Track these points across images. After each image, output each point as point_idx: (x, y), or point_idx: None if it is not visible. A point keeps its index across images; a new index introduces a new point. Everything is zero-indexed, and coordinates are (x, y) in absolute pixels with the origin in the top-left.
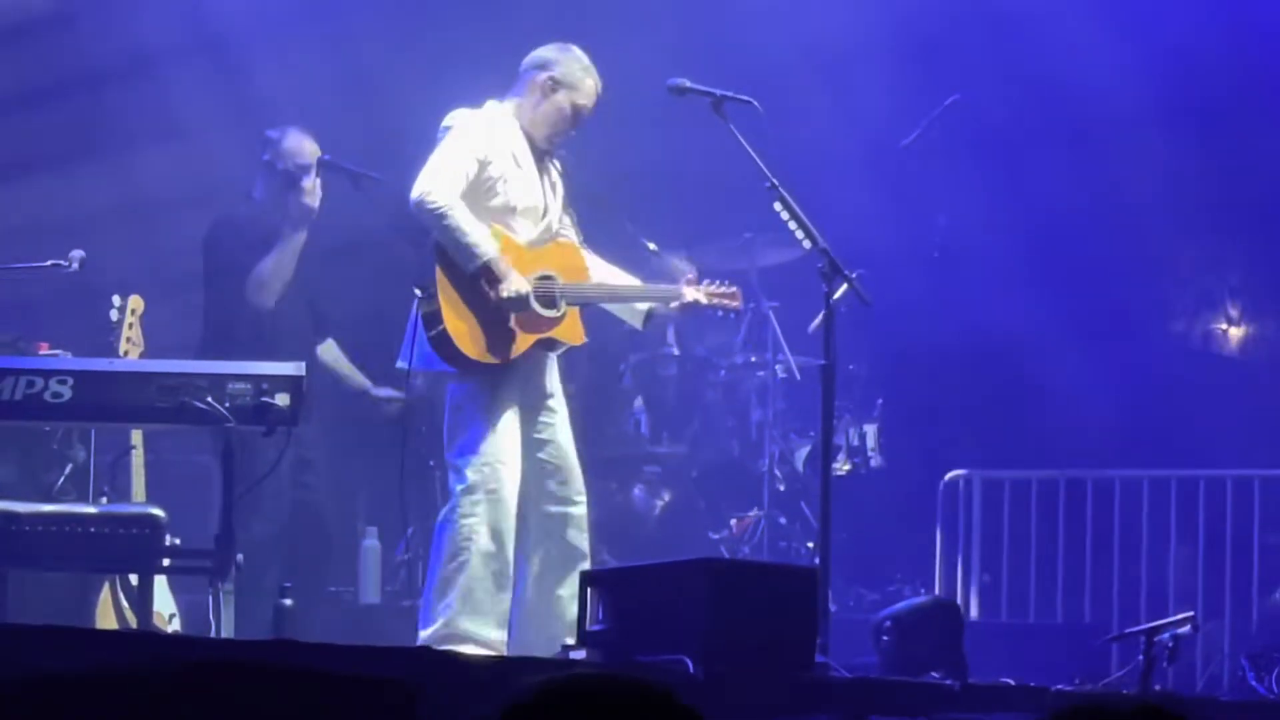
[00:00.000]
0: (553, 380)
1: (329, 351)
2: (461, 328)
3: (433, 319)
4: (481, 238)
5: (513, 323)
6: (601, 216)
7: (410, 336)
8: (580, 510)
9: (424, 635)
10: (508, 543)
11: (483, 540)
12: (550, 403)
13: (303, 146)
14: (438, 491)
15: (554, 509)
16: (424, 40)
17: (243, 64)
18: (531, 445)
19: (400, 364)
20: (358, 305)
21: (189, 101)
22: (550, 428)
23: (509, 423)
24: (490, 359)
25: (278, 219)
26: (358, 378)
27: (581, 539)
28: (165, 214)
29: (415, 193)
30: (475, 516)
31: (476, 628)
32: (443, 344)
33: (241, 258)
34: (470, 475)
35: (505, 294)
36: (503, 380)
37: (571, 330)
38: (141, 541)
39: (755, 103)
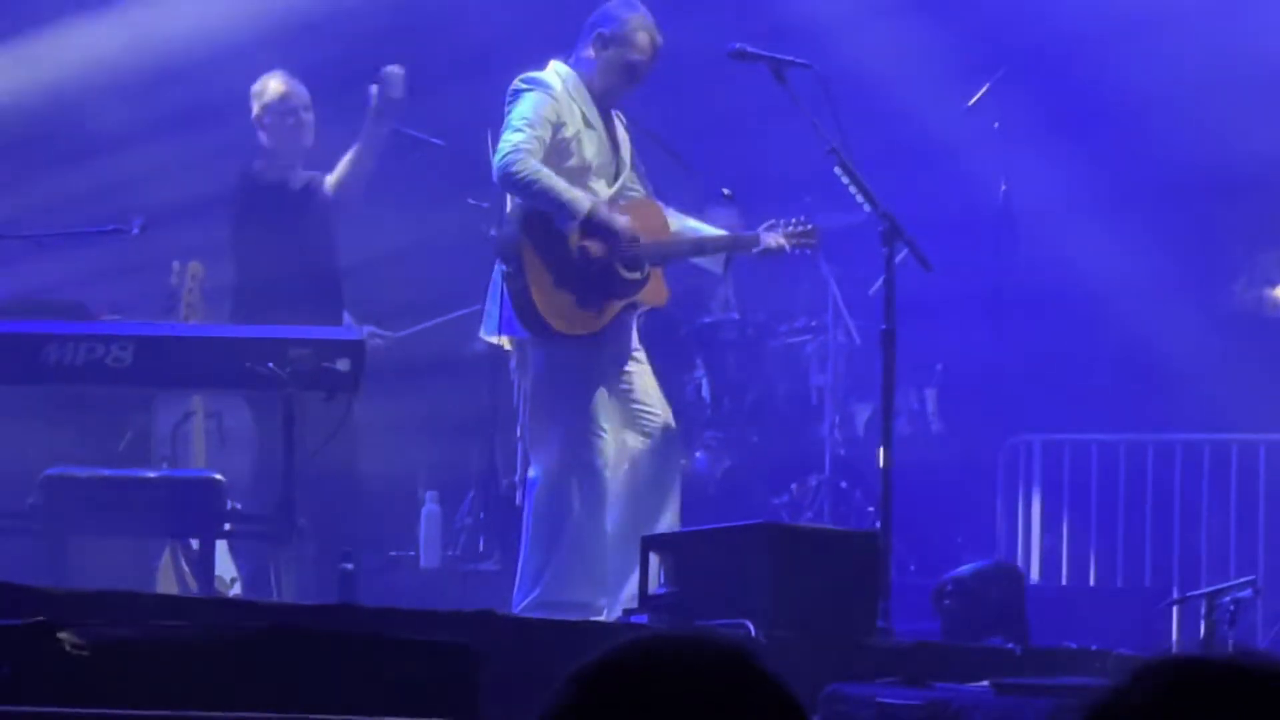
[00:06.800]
0: (634, 338)
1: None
2: (546, 299)
3: (517, 289)
4: (577, 193)
5: (597, 291)
6: (669, 165)
7: (493, 306)
8: (672, 457)
9: (522, 605)
10: (603, 512)
11: (577, 513)
12: (636, 355)
13: (302, 96)
14: (498, 455)
15: (650, 460)
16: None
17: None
18: (622, 403)
19: (483, 334)
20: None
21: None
22: (637, 383)
23: (601, 392)
24: (578, 331)
25: (290, 170)
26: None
27: (673, 494)
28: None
29: (498, 164)
30: (568, 490)
31: (577, 596)
32: (527, 314)
33: (262, 209)
34: (560, 447)
35: (624, 233)
36: (590, 350)
37: (655, 292)
38: (202, 506)
39: (814, 66)
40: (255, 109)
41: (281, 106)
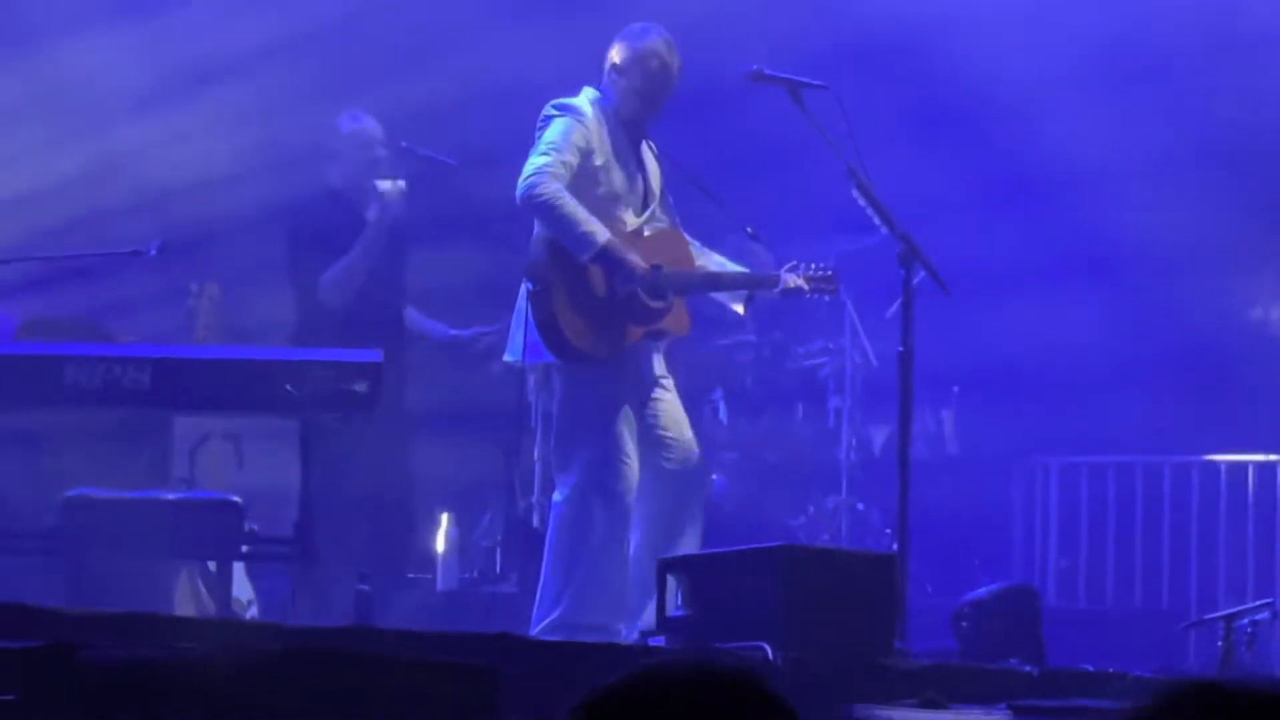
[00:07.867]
0: (659, 365)
1: (408, 319)
2: (571, 320)
3: (542, 310)
4: (595, 224)
5: (621, 316)
6: (694, 198)
7: (517, 329)
8: (698, 483)
9: (541, 626)
10: (624, 536)
11: (598, 536)
12: (663, 381)
13: (376, 133)
14: (515, 477)
15: (675, 489)
16: (521, 24)
17: (318, 43)
18: (647, 430)
19: (507, 357)
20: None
21: (265, 82)
22: (663, 411)
23: (624, 417)
24: (599, 353)
25: (361, 206)
26: (438, 327)
27: (696, 516)
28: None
29: (521, 186)
30: (590, 513)
31: (596, 619)
32: (551, 335)
33: (328, 251)
34: (583, 471)
35: (635, 271)
36: (614, 374)
37: (678, 320)
38: (220, 528)
39: (830, 88)
40: (332, 143)
41: (358, 141)
